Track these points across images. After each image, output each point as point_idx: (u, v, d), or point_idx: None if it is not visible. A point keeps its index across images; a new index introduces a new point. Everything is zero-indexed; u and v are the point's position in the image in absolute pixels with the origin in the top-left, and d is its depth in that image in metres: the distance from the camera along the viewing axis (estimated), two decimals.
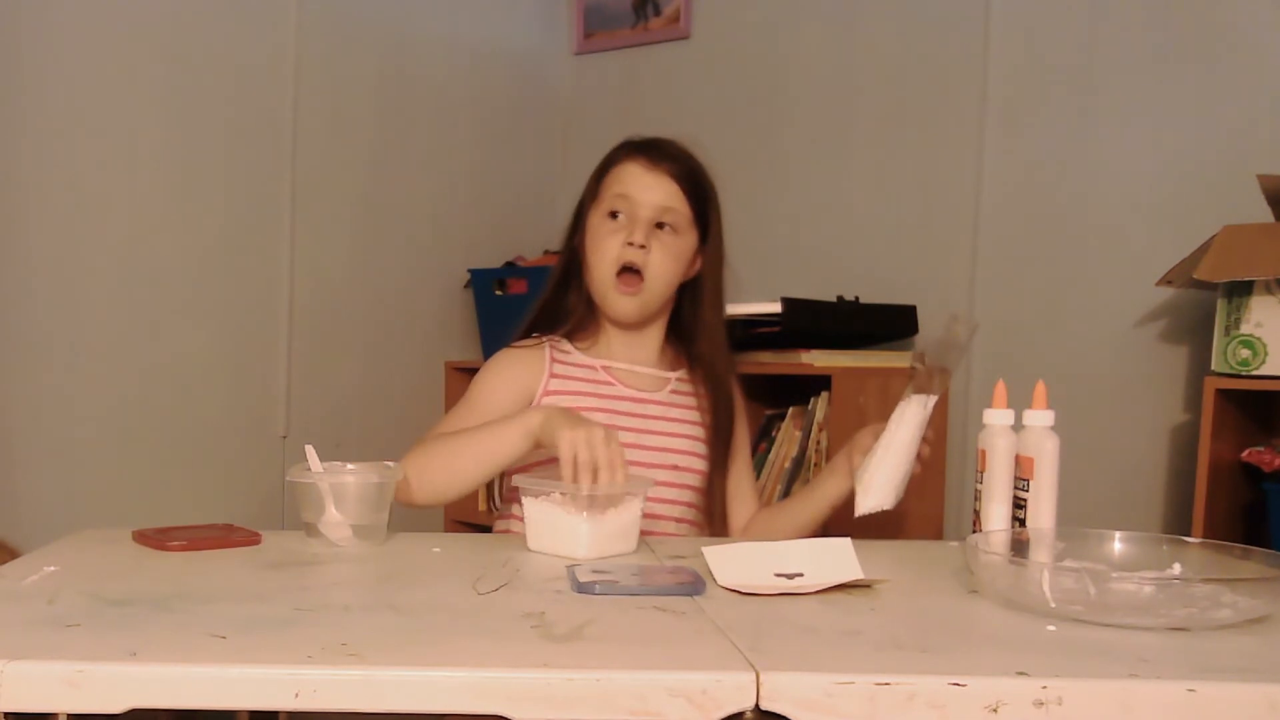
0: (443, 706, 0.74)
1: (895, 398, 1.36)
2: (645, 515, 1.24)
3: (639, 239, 1.43)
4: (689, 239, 1.47)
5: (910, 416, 1.33)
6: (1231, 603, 0.91)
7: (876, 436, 1.36)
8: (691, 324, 1.53)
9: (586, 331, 1.52)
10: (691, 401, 1.53)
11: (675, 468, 1.48)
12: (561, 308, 1.53)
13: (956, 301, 2.23)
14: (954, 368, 1.33)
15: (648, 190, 1.44)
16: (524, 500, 1.22)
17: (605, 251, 1.45)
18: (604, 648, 0.82)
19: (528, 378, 1.46)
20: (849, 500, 1.37)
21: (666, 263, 1.45)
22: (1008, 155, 2.19)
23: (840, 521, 1.38)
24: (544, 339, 1.51)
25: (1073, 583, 0.93)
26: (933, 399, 1.33)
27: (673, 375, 1.54)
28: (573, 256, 1.52)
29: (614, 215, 1.45)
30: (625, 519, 1.19)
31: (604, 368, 1.50)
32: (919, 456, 1.35)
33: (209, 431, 2.12)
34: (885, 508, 1.33)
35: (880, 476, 1.33)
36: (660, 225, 1.45)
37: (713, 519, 1.51)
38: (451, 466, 1.32)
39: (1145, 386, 2.02)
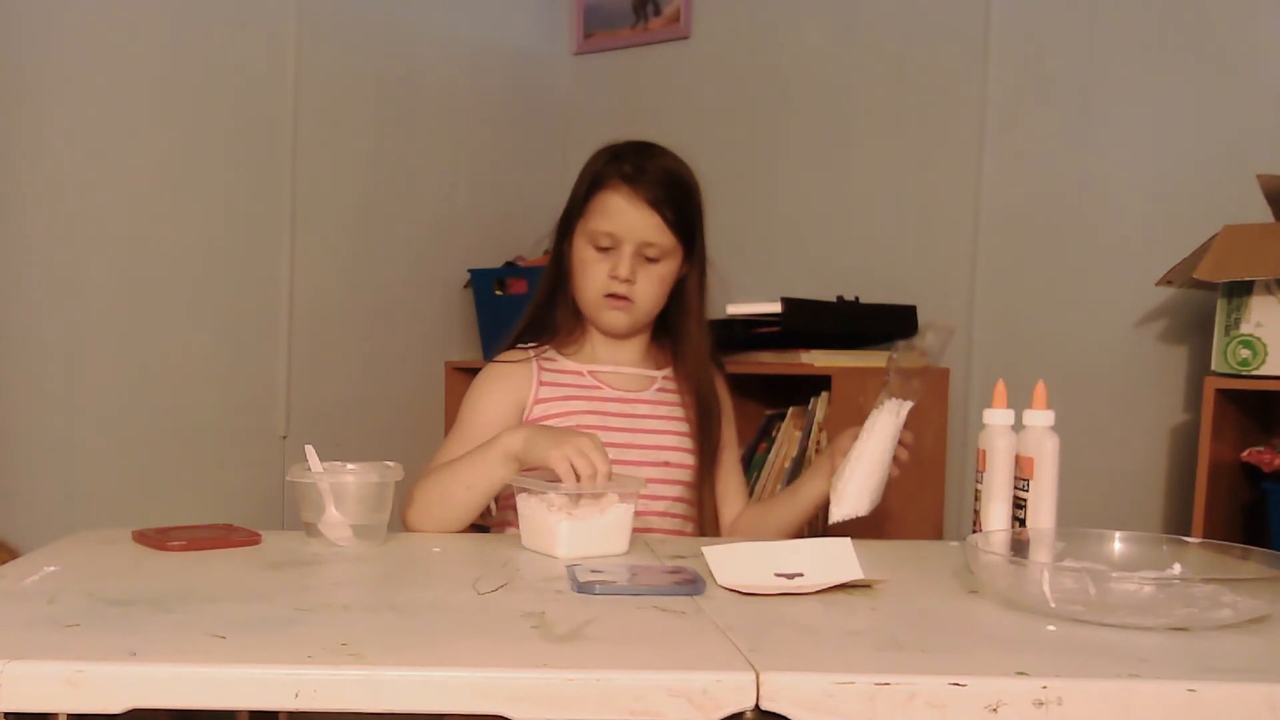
0: (443, 706, 0.74)
1: None
2: (638, 513, 1.24)
3: (624, 273, 1.45)
4: (674, 260, 1.49)
5: (883, 424, 1.32)
6: (1231, 603, 0.91)
7: (856, 438, 1.35)
8: (675, 326, 1.55)
9: (572, 337, 1.54)
10: (678, 399, 1.54)
11: (666, 464, 1.49)
12: (550, 317, 1.54)
13: (956, 301, 2.23)
14: (930, 371, 1.32)
15: (631, 227, 1.44)
16: (516, 498, 1.23)
17: (593, 278, 1.47)
18: (604, 648, 0.82)
19: (517, 390, 1.48)
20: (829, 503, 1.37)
21: (652, 288, 1.48)
22: (1008, 155, 2.19)
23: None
24: (529, 349, 1.52)
25: (1073, 583, 0.93)
26: (907, 404, 1.32)
27: (659, 374, 1.56)
28: (559, 267, 1.53)
29: (599, 247, 1.46)
30: (609, 520, 1.19)
31: (590, 373, 1.52)
32: (896, 461, 1.35)
33: (209, 431, 2.12)
34: (860, 514, 1.33)
35: (853, 485, 1.32)
36: (646, 255, 1.46)
37: (703, 515, 1.53)
38: (447, 501, 1.33)
39: (1145, 386, 2.02)
